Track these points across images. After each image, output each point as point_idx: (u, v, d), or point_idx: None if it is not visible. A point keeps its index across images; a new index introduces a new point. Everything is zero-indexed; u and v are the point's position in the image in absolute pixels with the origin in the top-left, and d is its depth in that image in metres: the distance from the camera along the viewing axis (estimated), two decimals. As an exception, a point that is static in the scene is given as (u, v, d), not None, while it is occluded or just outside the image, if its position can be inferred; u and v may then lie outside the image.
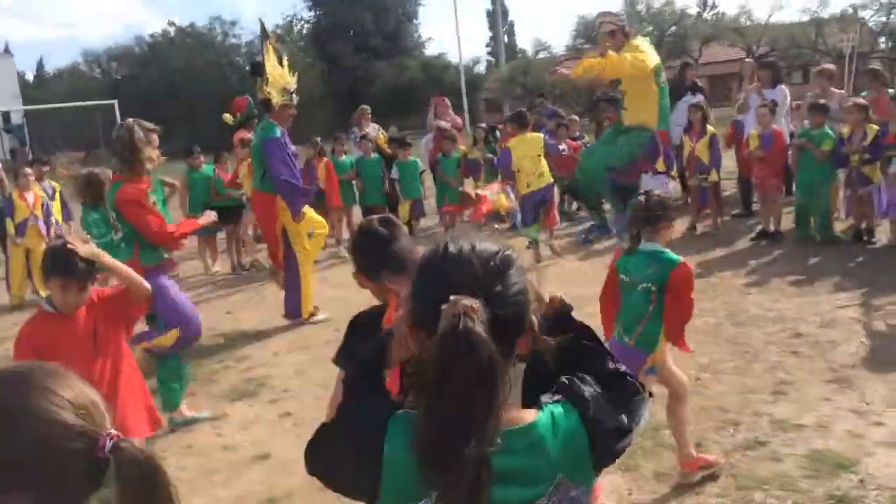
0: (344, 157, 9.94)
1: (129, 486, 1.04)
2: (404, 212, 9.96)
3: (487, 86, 40.36)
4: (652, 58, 7.48)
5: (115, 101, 24.02)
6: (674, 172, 9.91)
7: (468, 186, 9.27)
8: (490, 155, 10.55)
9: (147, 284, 3.31)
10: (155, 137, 4.62)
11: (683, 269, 3.37)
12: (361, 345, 2.31)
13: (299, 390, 5.11)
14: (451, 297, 1.14)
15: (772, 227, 8.31)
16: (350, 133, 10.93)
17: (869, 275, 6.51)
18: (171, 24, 48.68)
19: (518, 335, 1.23)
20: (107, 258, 3.17)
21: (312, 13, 46.37)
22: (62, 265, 2.99)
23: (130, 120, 4.67)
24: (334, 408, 2.35)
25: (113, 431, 1.07)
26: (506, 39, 62.73)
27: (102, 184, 6.30)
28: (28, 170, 9.01)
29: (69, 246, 2.98)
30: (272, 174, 6.39)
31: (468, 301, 1.13)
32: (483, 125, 12.07)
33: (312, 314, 6.72)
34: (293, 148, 6.66)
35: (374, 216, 2.56)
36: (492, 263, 1.23)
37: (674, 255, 3.41)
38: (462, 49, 42.28)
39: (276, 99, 6.46)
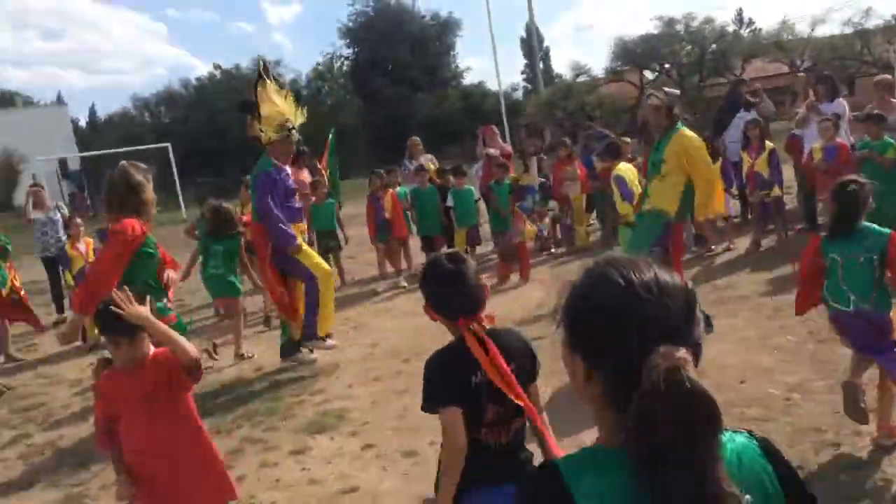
0: (399, 189, 10.02)
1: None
2: (461, 240, 10.00)
3: (527, 111, 40.49)
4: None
5: (169, 144, 24.65)
6: (734, 190, 9.83)
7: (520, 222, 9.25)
8: (542, 179, 10.58)
9: (193, 352, 3.03)
10: (149, 178, 4.65)
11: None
12: (448, 386, 2.34)
13: (377, 422, 5.11)
14: (662, 349, 1.05)
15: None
16: (402, 165, 11.04)
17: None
18: (217, 67, 49.90)
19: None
20: (152, 322, 3.02)
21: (351, 50, 47.17)
22: (109, 324, 3.00)
23: (124, 163, 4.69)
24: (447, 452, 2.37)
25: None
26: (541, 65, 63.37)
27: (231, 218, 7.24)
28: (78, 220, 9.31)
29: (114, 308, 2.95)
30: (256, 205, 6.44)
31: (681, 353, 1.05)
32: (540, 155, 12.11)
33: (328, 336, 6.66)
34: (292, 183, 6.68)
35: (443, 251, 2.63)
36: (683, 301, 1.13)
37: (882, 228, 3.87)
38: (499, 77, 42.60)
39: (270, 135, 6.40)
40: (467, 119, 35.70)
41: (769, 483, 1.18)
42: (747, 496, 1.09)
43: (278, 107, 6.46)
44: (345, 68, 47.66)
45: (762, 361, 5.29)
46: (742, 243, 9.10)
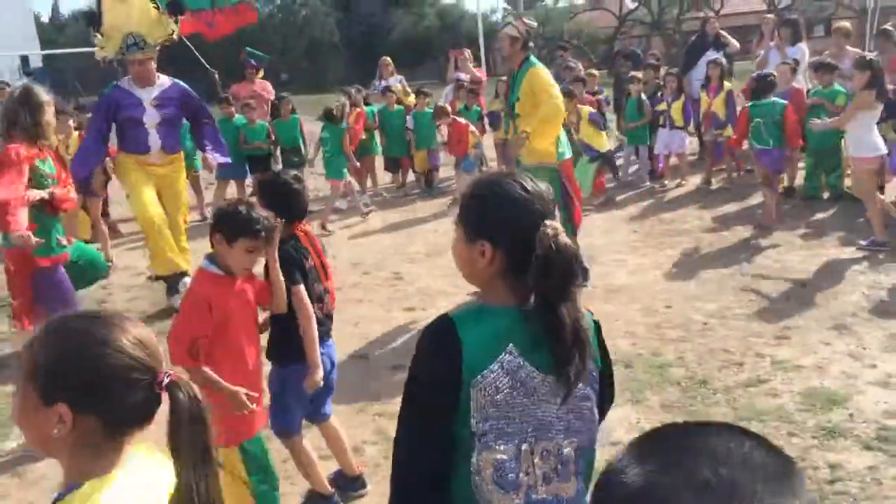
0: (367, 108, 10.12)
1: (181, 418, 1.19)
2: (420, 161, 10.21)
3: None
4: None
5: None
6: (691, 128, 10.13)
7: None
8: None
9: (284, 307, 2.97)
10: (51, 103, 4.37)
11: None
12: (300, 266, 3.04)
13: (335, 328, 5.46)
14: (548, 222, 1.47)
15: (786, 183, 8.54)
16: (371, 85, 11.13)
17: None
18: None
19: None
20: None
21: (330, -41, 45.81)
22: (254, 224, 2.74)
23: (28, 83, 4.49)
24: (309, 317, 3.02)
25: (170, 370, 1.23)
26: (524, -12, 62.16)
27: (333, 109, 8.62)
28: (71, 122, 8.26)
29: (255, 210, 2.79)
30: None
31: (556, 224, 1.49)
32: (504, 78, 12.20)
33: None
34: (147, 110, 5.74)
35: (282, 171, 3.35)
36: (548, 193, 1.58)
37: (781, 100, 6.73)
38: (480, -2, 41.90)
39: (109, 52, 5.72)
40: (445, 39, 35.22)
41: (594, 344, 1.60)
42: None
43: (123, 17, 5.62)
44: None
45: (690, 290, 5.71)
46: (694, 180, 9.47)
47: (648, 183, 9.66)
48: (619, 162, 9.82)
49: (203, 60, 9.93)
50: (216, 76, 10.07)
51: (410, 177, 10.64)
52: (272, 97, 10.18)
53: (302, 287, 3.02)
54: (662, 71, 10.49)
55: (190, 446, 1.19)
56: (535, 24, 5.93)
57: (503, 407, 1.50)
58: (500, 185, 1.57)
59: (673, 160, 9.79)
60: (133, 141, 5.77)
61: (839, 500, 3.09)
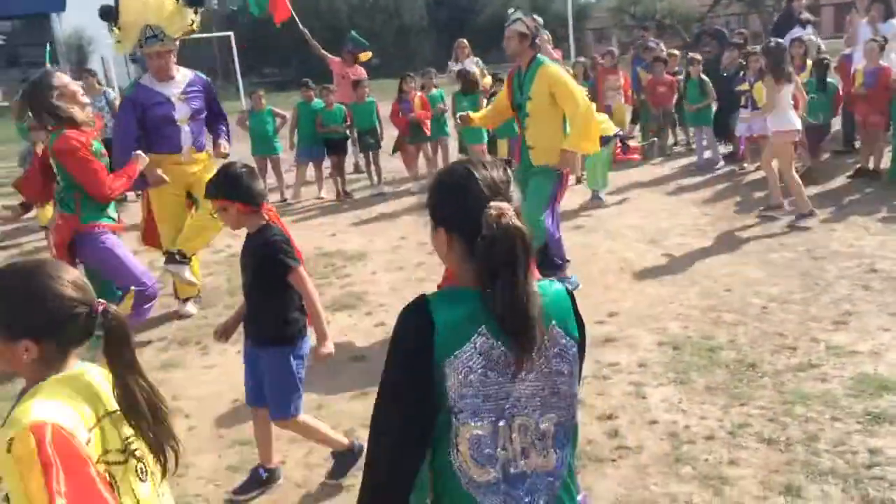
0: (434, 91, 10.22)
1: (111, 336, 1.61)
2: (503, 149, 10.24)
3: (595, 15, 39.32)
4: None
5: (231, 33, 25.00)
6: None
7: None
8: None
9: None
10: (76, 88, 4.60)
11: None
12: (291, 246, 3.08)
13: (392, 305, 5.67)
14: (492, 204, 1.51)
15: (870, 166, 8.19)
16: (447, 67, 11.24)
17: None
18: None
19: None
20: None
21: (420, -58, 45.98)
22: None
23: (49, 70, 4.65)
24: (314, 296, 3.13)
25: (102, 301, 1.63)
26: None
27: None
28: None
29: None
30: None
31: (505, 204, 1.52)
32: (582, 59, 12.11)
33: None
34: (175, 100, 5.51)
35: (236, 162, 3.25)
36: (503, 174, 1.61)
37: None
38: (570, -22, 41.19)
39: (126, 46, 5.59)
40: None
41: (570, 321, 1.65)
42: (553, 321, 1.61)
43: (140, 10, 5.40)
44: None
45: (753, 274, 5.61)
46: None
47: (722, 163, 9.43)
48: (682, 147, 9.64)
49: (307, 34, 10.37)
50: (307, 33, 10.43)
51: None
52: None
53: (302, 268, 3.14)
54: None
55: (119, 357, 1.62)
56: (541, 20, 5.79)
57: (477, 386, 1.55)
58: (449, 173, 1.66)
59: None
60: (167, 141, 5.49)
61: (874, 484, 3.04)
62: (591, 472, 3.31)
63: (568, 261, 5.72)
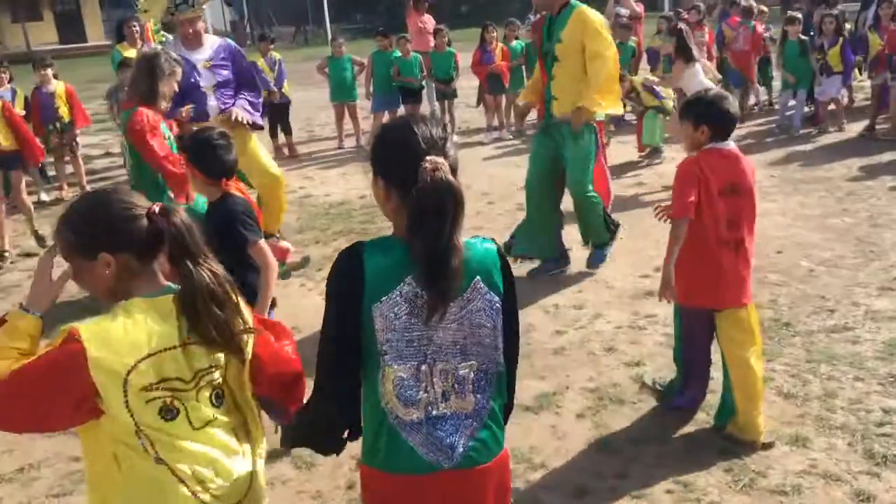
0: (515, 43, 10.27)
1: (172, 232, 1.64)
2: None
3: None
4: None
5: (321, -21, 25.34)
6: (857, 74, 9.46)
7: (640, 76, 9.32)
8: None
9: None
10: (179, 71, 4.39)
11: None
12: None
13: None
14: (428, 157, 1.57)
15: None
16: (526, 19, 11.24)
17: None
18: None
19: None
20: None
21: None
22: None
23: (158, 48, 4.53)
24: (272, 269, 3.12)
25: (158, 205, 1.68)
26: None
27: None
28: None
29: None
30: None
31: (440, 159, 1.59)
32: (667, 14, 11.89)
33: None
34: (201, 68, 5.35)
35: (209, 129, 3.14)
36: (441, 129, 1.68)
37: None
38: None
39: (154, 14, 5.57)
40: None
41: (496, 275, 1.73)
42: (478, 276, 1.69)
43: None
44: None
45: (807, 237, 5.63)
46: (857, 128, 8.91)
47: (797, 125, 9.20)
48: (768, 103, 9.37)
49: None
50: None
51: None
52: (430, 29, 10.62)
53: (263, 240, 3.09)
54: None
55: (183, 250, 1.65)
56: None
57: (401, 331, 1.66)
58: (391, 127, 1.79)
59: (831, 105, 9.24)
60: (194, 108, 5.30)
61: (881, 441, 3.17)
62: (610, 412, 3.55)
63: (618, 225, 5.39)
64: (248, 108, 5.42)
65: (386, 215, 1.75)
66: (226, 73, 5.45)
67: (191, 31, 5.35)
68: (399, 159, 1.65)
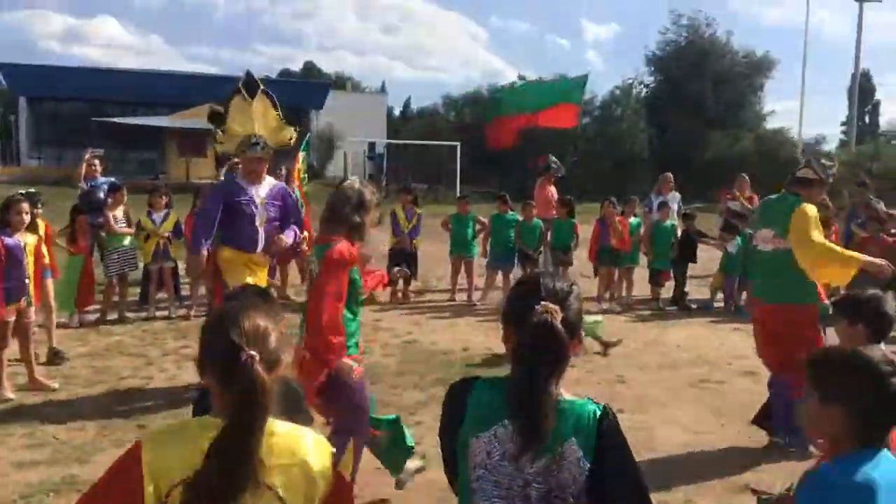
0: (632, 220, 10.56)
1: (245, 390, 1.56)
2: (717, 280, 10.44)
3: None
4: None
5: (458, 143, 26.93)
6: None
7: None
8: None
9: None
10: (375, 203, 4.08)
11: None
12: None
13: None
14: (544, 302, 1.69)
15: None
16: (646, 199, 11.49)
17: None
18: (521, 77, 52.32)
19: (574, 335, 1.76)
20: None
21: (652, 78, 46.90)
22: None
23: (359, 180, 4.19)
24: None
25: (252, 353, 1.57)
26: (866, 120, 57.30)
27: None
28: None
29: None
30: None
31: (553, 306, 1.70)
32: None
33: None
34: (258, 203, 5.89)
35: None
36: (565, 286, 1.80)
37: None
38: (812, 127, 39.99)
39: (228, 148, 6.23)
40: (761, 163, 34.02)
41: (591, 438, 1.72)
42: (573, 438, 1.71)
43: (247, 123, 6.13)
44: (643, 94, 47.61)
45: None
46: None
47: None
48: None
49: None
50: (550, 158, 11.22)
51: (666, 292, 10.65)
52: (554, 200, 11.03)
53: None
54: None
55: (243, 411, 1.57)
56: (835, 164, 5.30)
57: (492, 470, 1.72)
58: (526, 275, 2.00)
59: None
60: (247, 239, 5.89)
61: None
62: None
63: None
64: (292, 236, 6.07)
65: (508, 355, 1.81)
66: (275, 212, 6.04)
67: (255, 169, 5.97)
68: (520, 305, 1.76)
